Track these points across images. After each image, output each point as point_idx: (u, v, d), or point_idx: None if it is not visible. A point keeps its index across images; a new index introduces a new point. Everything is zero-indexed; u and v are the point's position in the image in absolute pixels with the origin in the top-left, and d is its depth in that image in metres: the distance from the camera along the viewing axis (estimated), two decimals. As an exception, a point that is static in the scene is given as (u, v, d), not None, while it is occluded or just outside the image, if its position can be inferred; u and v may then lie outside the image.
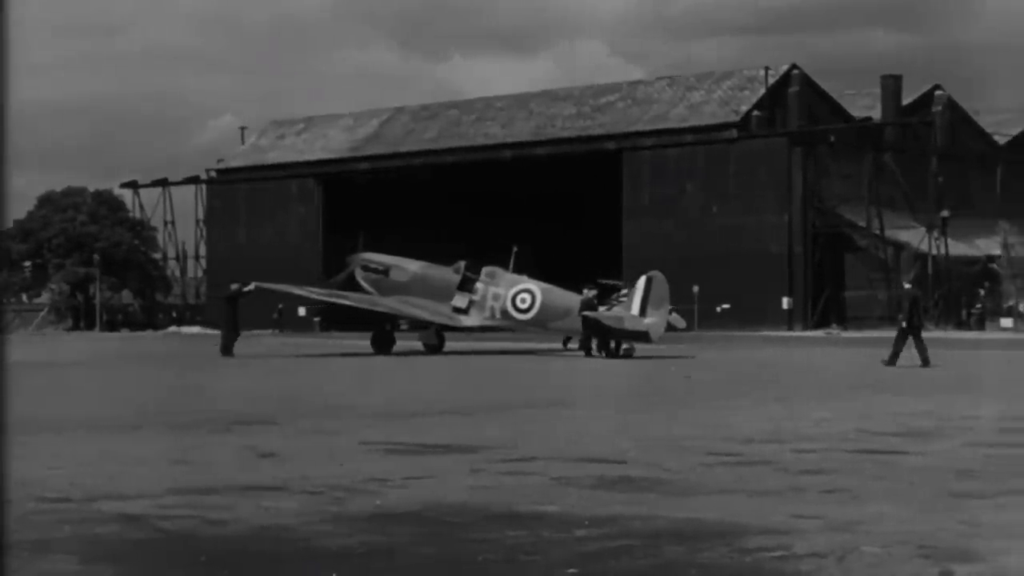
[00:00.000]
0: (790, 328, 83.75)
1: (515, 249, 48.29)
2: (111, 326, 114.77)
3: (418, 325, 47.98)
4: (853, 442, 15.68)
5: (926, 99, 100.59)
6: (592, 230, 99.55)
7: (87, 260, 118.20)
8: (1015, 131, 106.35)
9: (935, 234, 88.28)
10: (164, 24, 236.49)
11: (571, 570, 8.13)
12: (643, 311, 40.68)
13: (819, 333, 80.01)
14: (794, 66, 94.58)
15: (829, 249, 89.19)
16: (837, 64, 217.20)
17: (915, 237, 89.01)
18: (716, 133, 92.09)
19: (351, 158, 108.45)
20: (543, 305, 44.84)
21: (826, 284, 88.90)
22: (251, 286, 45.55)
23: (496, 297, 45.92)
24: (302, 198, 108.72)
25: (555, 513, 10.23)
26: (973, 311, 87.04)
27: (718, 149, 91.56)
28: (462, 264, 47.59)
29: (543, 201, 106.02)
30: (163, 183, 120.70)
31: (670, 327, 43.22)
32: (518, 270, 47.56)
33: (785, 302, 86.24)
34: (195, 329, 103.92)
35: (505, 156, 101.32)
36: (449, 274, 47.62)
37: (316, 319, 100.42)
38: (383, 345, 46.23)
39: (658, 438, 16.20)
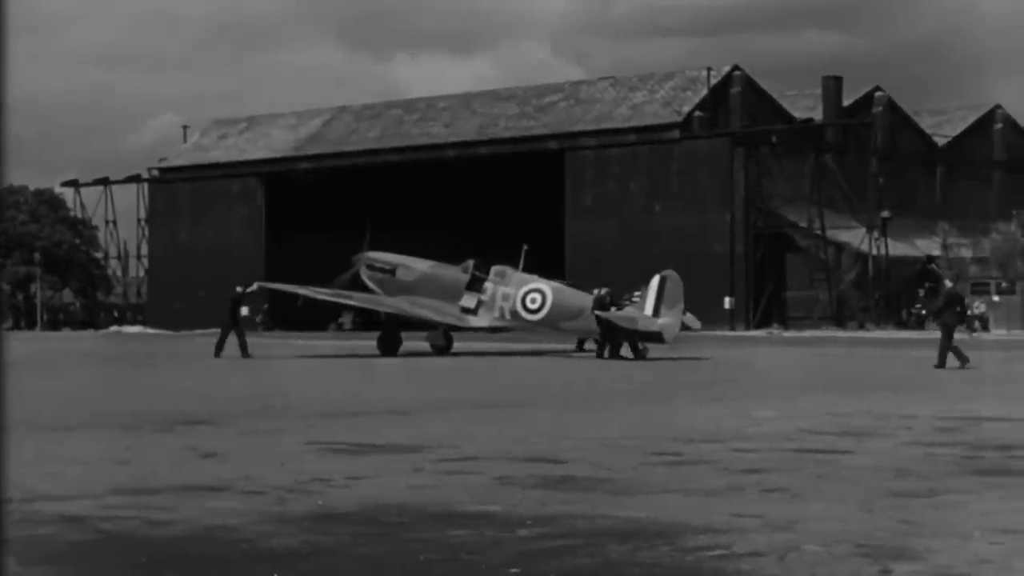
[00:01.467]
0: (732, 328, 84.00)
1: (525, 248, 47.57)
2: (52, 325, 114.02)
3: (428, 325, 46.25)
4: (794, 441, 15.77)
5: (866, 100, 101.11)
6: (535, 230, 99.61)
7: (28, 259, 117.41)
8: (955, 132, 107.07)
9: (875, 234, 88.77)
10: (106, 22, 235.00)
11: (513, 570, 8.15)
12: (657, 311, 39.84)
13: (760, 333, 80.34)
14: (736, 67, 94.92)
15: (771, 249, 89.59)
16: (778, 65, 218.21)
17: (855, 237, 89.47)
18: (659, 133, 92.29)
19: (294, 157, 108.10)
20: (554, 305, 43.76)
21: (767, 284, 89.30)
22: (254, 286, 44.57)
23: (505, 297, 44.75)
24: (244, 197, 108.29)
25: (497, 512, 10.25)
26: (913, 311, 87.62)
27: (661, 149, 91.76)
28: (471, 263, 46.31)
29: (486, 201, 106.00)
30: (104, 182, 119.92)
31: (684, 328, 42.23)
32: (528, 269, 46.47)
33: (727, 302, 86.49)
34: (136, 328, 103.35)
35: (448, 156, 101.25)
36: (457, 273, 46.36)
37: (258, 319, 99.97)
38: (389, 346, 44.69)
39: (600, 438, 16.24)
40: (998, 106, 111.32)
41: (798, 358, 41.52)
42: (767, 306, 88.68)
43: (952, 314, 35.33)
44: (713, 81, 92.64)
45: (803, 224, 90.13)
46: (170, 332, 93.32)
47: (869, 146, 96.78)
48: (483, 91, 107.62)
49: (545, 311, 43.80)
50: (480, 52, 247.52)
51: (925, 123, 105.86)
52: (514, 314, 44.46)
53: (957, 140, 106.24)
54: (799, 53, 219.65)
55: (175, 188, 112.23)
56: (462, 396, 25.09)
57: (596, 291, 43.10)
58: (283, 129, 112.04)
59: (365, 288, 48.00)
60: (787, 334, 77.75)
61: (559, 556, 8.56)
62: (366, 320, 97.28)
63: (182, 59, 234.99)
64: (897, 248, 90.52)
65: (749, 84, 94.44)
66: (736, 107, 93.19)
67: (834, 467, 13.30)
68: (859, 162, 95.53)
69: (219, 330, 43.04)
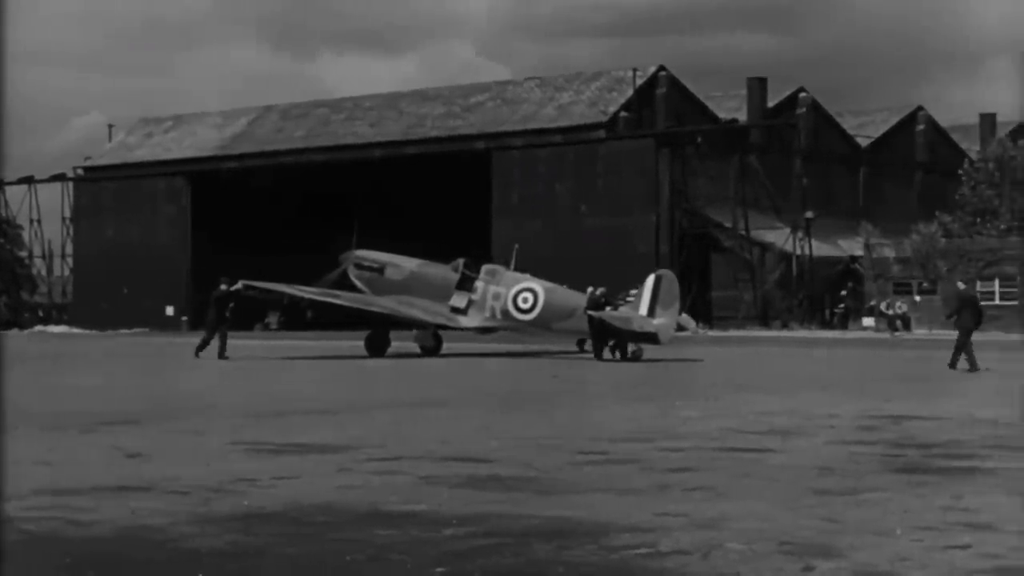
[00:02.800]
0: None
1: (516, 247, 46.93)
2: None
3: (417, 326, 45.00)
4: (718, 440, 15.87)
5: (791, 101, 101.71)
6: (462, 230, 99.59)
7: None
8: (877, 133, 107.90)
9: (799, 235, 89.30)
10: (30, 20, 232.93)
11: (439, 569, 8.17)
12: (652, 311, 38.97)
13: (685, 333, 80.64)
14: (661, 68, 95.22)
15: (696, 249, 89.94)
16: (703, 67, 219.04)
17: (780, 237, 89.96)
18: (585, 133, 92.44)
19: (220, 156, 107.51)
20: (546, 305, 42.56)
21: (692, 284, 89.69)
22: (238, 285, 42.47)
23: (496, 296, 43.51)
24: (170, 196, 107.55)
25: (423, 512, 10.26)
26: (836, 311, 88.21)
27: (587, 149, 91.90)
28: (461, 262, 45.18)
29: (413, 200, 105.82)
30: (29, 180, 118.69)
31: (680, 328, 41.12)
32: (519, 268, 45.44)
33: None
34: (61, 328, 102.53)
35: (375, 155, 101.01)
36: (447, 272, 45.17)
37: (184, 318, 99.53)
38: (377, 347, 43.47)
39: (527, 437, 16.28)
40: (920, 108, 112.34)
41: (723, 357, 41.72)
42: (692, 306, 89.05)
43: (968, 316, 34.82)
44: (639, 82, 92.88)
45: (728, 224, 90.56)
46: (96, 331, 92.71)
47: (793, 147, 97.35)
48: (410, 91, 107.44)
49: (537, 311, 42.76)
50: (406, 52, 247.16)
51: (848, 124, 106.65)
52: (505, 314, 43.36)
53: (880, 141, 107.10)
54: (724, 54, 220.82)
55: (100, 187, 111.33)
56: (391, 396, 25.06)
57: (590, 290, 42.45)
58: (209, 128, 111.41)
59: (353, 287, 46.79)
60: (711, 334, 78.07)
61: (485, 555, 8.58)
62: (292, 320, 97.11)
63: (108, 58, 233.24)
64: (821, 248, 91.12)
65: (674, 85, 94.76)
66: (661, 108, 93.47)
67: (758, 466, 13.40)
68: (783, 163, 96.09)
69: (211, 332, 41.23)
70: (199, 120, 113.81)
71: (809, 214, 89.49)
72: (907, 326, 79.20)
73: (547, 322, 42.69)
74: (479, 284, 43.99)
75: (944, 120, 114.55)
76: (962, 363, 33.40)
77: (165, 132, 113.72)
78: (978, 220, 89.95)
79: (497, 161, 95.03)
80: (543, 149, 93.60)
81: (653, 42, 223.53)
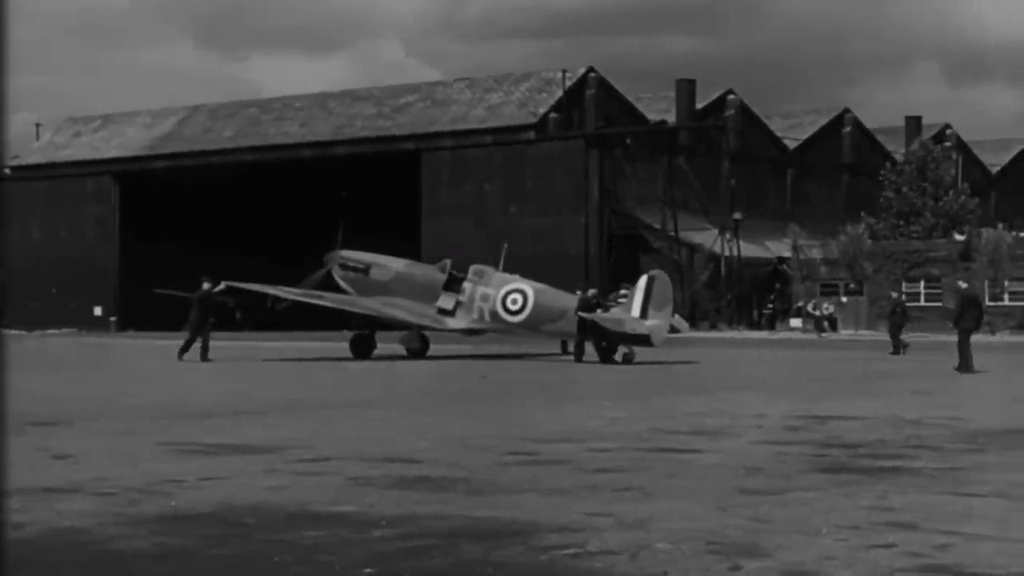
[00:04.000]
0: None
1: (505, 246, 46.21)
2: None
3: (403, 327, 43.82)
4: (647, 441, 15.94)
5: (719, 103, 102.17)
6: (391, 230, 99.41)
7: None
8: (805, 135, 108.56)
9: (728, 236, 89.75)
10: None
11: (368, 570, 8.17)
12: (644, 313, 38.08)
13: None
14: (591, 69, 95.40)
15: (625, 250, 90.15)
16: (633, 68, 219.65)
17: (708, 239, 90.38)
18: (514, 134, 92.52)
19: (148, 156, 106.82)
20: (536, 306, 41.38)
21: (621, 285, 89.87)
22: (222, 286, 41.36)
23: (485, 298, 42.26)
24: (98, 197, 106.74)
25: (352, 513, 10.25)
26: (764, 311, 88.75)
27: (516, 150, 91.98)
28: (448, 262, 44.15)
29: (342, 201, 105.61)
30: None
31: (673, 330, 40.34)
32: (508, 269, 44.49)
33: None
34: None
35: (304, 155, 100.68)
36: (434, 272, 44.14)
37: (112, 319, 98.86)
38: (362, 349, 42.56)
39: (456, 438, 16.29)
40: (847, 110, 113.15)
41: (652, 358, 41.80)
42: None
43: (970, 317, 34.41)
44: (568, 83, 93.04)
45: (657, 225, 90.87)
46: (24, 332, 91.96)
47: (721, 149, 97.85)
48: (340, 91, 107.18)
49: (527, 313, 41.61)
50: (336, 52, 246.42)
51: (776, 126, 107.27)
52: (494, 315, 42.18)
53: (807, 143, 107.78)
54: (653, 56, 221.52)
55: (28, 187, 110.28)
56: (322, 397, 25.00)
57: (579, 292, 41.82)
58: (138, 128, 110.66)
59: (337, 288, 45.63)
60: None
61: (414, 556, 8.59)
62: (220, 320, 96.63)
63: (35, 56, 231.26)
64: (749, 249, 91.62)
65: (603, 86, 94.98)
66: (591, 109, 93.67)
67: (686, 466, 13.47)
68: (712, 164, 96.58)
69: (194, 333, 40.23)
70: (127, 120, 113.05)
71: (737, 215, 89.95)
72: (834, 327, 79.77)
73: (537, 324, 41.75)
74: (467, 285, 42.90)
75: (871, 122, 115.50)
76: (950, 361, 33.55)
77: (93, 131, 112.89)
78: (902, 222, 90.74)
79: (427, 162, 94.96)
80: (473, 150, 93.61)
81: (582, 43, 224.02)
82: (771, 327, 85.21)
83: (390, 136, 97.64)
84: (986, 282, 79.63)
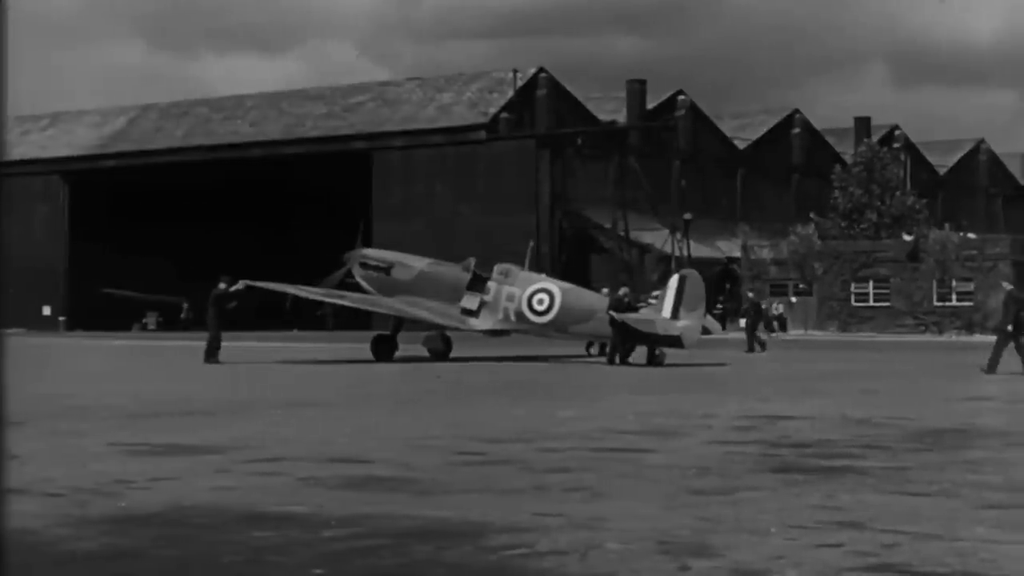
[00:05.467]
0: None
1: (532, 244, 45.31)
2: None
3: (426, 328, 42.55)
4: (597, 440, 15.96)
5: (670, 104, 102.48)
6: (342, 230, 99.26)
7: None
8: (755, 136, 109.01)
9: (678, 236, 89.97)
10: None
11: (317, 570, 8.15)
12: (676, 313, 36.90)
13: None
14: (542, 69, 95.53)
15: (576, 250, 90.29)
16: (584, 68, 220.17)
17: (659, 239, 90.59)
18: (465, 134, 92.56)
19: (98, 155, 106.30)
20: (563, 306, 39.99)
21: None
22: (240, 285, 39.69)
23: (510, 297, 40.81)
24: (47, 196, 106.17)
25: (302, 513, 10.23)
26: (715, 311, 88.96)
27: (467, 150, 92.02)
28: (472, 261, 42.82)
29: (293, 201, 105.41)
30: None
31: (705, 331, 39.46)
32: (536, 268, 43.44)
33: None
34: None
35: (255, 155, 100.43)
36: (458, 272, 42.65)
37: (61, 318, 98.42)
38: (383, 351, 40.91)
39: (406, 438, 16.28)
40: (796, 111, 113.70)
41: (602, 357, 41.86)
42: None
43: (1010, 317, 32.93)
44: (519, 83, 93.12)
45: (607, 225, 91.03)
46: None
47: (672, 149, 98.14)
48: (291, 91, 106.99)
49: (553, 313, 40.16)
50: (287, 52, 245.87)
51: (726, 127, 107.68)
52: (520, 316, 40.71)
53: (757, 144, 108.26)
54: (604, 56, 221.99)
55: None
56: (273, 396, 24.91)
57: (605, 290, 40.91)
58: (87, 127, 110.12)
59: (357, 287, 44.24)
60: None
61: (364, 556, 8.58)
62: (170, 320, 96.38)
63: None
64: (699, 250, 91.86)
65: (555, 86, 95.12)
66: (541, 109, 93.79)
67: (636, 466, 13.49)
68: (662, 165, 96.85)
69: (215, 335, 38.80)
70: (77, 118, 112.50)
71: (687, 216, 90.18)
72: (783, 327, 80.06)
73: (564, 325, 40.28)
74: (492, 284, 41.50)
75: (820, 123, 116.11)
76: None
77: (42, 130, 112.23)
78: (845, 224, 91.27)
79: (378, 162, 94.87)
80: (424, 150, 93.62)
81: (533, 43, 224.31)
82: (722, 327, 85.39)
83: (341, 136, 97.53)
84: (933, 283, 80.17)
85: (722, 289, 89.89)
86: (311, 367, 37.84)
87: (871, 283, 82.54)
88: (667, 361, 37.25)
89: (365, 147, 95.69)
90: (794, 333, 78.72)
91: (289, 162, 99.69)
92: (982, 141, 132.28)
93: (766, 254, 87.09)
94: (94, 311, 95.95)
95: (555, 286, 41.27)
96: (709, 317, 41.00)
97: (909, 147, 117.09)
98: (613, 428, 17.55)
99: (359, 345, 43.52)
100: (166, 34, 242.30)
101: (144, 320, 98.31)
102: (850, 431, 17.27)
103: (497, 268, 41.96)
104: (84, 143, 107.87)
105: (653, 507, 10.60)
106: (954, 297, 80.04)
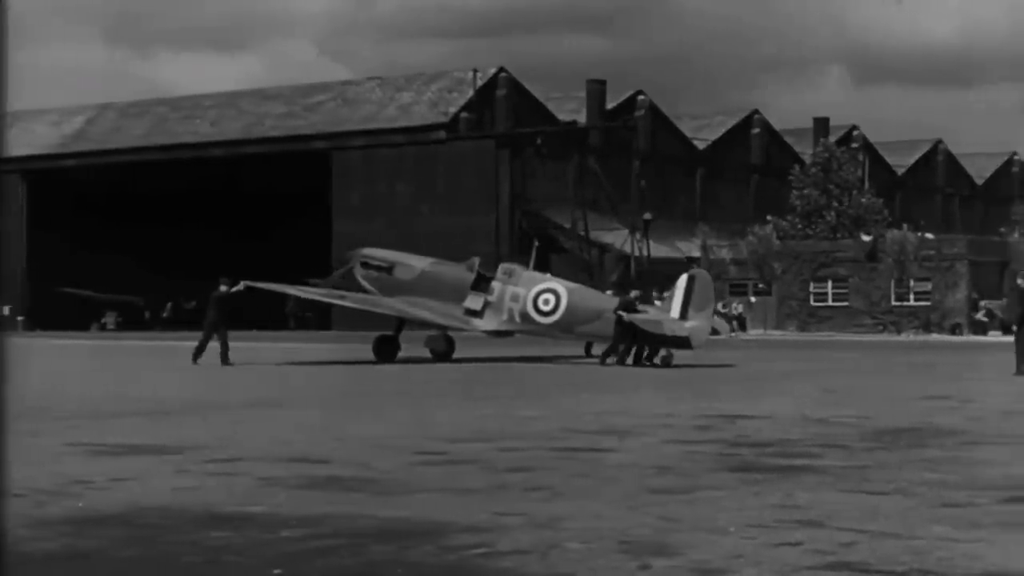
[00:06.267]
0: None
1: (536, 244, 45.02)
2: None
3: (428, 328, 41.86)
4: (557, 440, 15.97)
5: (629, 104, 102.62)
6: (302, 229, 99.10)
7: None
8: (714, 136, 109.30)
9: (637, 236, 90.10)
10: None
11: (276, 570, 8.14)
12: (684, 313, 36.25)
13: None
14: (502, 69, 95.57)
15: (535, 250, 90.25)
16: (544, 69, 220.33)
17: (619, 239, 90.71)
18: (425, 134, 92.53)
19: (57, 155, 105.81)
20: (569, 307, 39.16)
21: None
22: (240, 286, 38.63)
23: (515, 298, 39.98)
24: (6, 195, 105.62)
25: (261, 514, 10.22)
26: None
27: (427, 150, 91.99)
28: (476, 261, 42.18)
29: (253, 200, 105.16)
30: None
31: (714, 332, 38.94)
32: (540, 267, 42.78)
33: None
34: None
35: (214, 154, 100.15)
36: (461, 272, 41.82)
37: (20, 318, 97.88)
38: (386, 352, 40.14)
39: (366, 438, 16.26)
40: (755, 111, 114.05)
41: (565, 356, 41.91)
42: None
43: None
44: (479, 83, 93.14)
45: (567, 225, 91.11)
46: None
47: (632, 149, 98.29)
48: (250, 90, 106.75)
49: (559, 314, 39.34)
50: (246, 51, 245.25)
51: (686, 127, 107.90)
52: (524, 317, 39.90)
53: (716, 144, 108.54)
54: (564, 57, 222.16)
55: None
56: (231, 397, 24.84)
57: (609, 292, 40.49)
58: (46, 126, 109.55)
59: (359, 287, 43.34)
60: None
61: (323, 556, 8.58)
62: (129, 320, 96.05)
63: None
64: (659, 249, 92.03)
65: (515, 86, 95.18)
66: (502, 109, 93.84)
67: (596, 465, 13.52)
68: (622, 165, 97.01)
69: (207, 334, 38.10)
70: (35, 118, 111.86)
71: (647, 215, 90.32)
72: (743, 326, 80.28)
73: (570, 325, 39.51)
74: (496, 285, 40.66)
75: (779, 124, 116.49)
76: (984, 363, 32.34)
77: None
78: (801, 225, 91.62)
79: (338, 161, 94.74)
80: (384, 149, 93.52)
81: (493, 43, 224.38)
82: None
83: (301, 135, 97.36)
84: (892, 282, 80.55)
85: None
86: (270, 368, 37.75)
87: (830, 283, 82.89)
88: (674, 362, 36.77)
89: (325, 146, 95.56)
90: (753, 333, 78.95)
91: (249, 161, 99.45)
92: (940, 142, 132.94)
93: (725, 254, 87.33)
94: (53, 311, 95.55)
95: (561, 286, 40.57)
96: (716, 318, 40.70)
97: (867, 147, 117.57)
98: (573, 427, 17.57)
99: (325, 345, 43.39)
100: (125, 33, 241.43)
101: (103, 320, 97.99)
102: (809, 430, 17.33)
103: (501, 268, 41.67)
104: (43, 142, 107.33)
105: (613, 506, 10.62)
106: (912, 297, 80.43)
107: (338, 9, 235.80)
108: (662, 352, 37.15)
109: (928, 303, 79.57)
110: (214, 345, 36.91)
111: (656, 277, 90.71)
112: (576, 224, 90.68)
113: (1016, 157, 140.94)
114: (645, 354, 37.28)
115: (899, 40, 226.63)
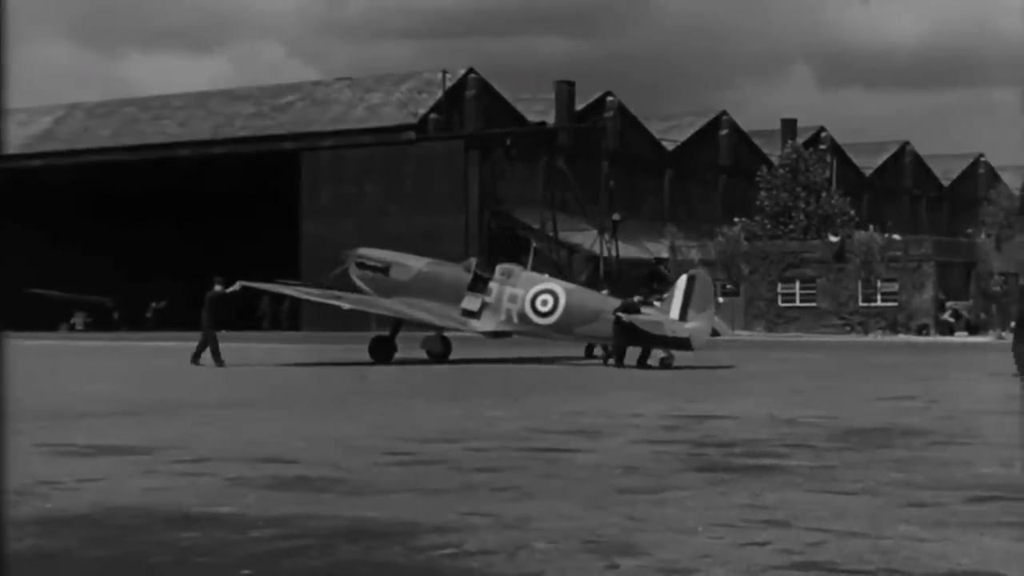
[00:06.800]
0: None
1: (534, 245, 44.73)
2: None
3: (425, 329, 41.50)
4: (525, 440, 16.01)
5: (598, 105, 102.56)
6: (271, 230, 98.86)
7: None
8: (683, 137, 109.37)
9: (606, 236, 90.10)
10: None
11: (245, 571, 8.15)
12: (684, 314, 36.15)
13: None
14: (471, 70, 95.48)
15: (505, 251, 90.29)
16: (513, 69, 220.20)
17: (588, 239, 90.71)
18: (394, 135, 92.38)
19: (24, 155, 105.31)
20: (567, 308, 38.88)
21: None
22: (236, 286, 38.53)
23: (513, 299, 39.76)
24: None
25: (229, 514, 10.22)
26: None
27: (396, 151, 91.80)
28: (473, 261, 42.22)
29: (221, 201, 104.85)
30: None
31: (714, 333, 38.61)
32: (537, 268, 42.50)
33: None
34: None
35: (183, 155, 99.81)
36: (458, 272, 41.63)
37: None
38: (382, 353, 39.60)
39: (334, 438, 16.26)
40: (724, 113, 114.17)
41: (531, 357, 41.95)
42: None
43: None
44: (448, 84, 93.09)
45: (536, 226, 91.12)
46: None
47: (601, 150, 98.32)
48: (219, 90, 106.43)
49: (557, 314, 39.02)
50: (215, 51, 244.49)
51: (655, 128, 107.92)
52: (522, 317, 39.61)
53: (685, 145, 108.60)
54: (533, 57, 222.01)
55: None
56: (199, 397, 24.79)
57: (605, 291, 39.93)
58: (13, 126, 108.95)
59: (354, 287, 42.97)
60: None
61: (291, 556, 8.59)
62: (99, 320, 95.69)
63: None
64: (628, 250, 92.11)
65: (484, 87, 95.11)
66: (471, 110, 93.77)
67: (564, 465, 13.55)
68: (591, 166, 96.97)
69: (207, 336, 37.68)
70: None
71: (616, 216, 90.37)
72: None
73: (569, 327, 39.10)
74: (493, 285, 40.39)
75: (747, 125, 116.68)
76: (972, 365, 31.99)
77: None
78: (769, 225, 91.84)
79: (306, 162, 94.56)
80: (353, 150, 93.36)
81: (462, 44, 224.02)
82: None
83: (269, 136, 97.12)
84: (859, 283, 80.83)
85: (651, 289, 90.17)
86: (238, 368, 37.62)
87: (798, 283, 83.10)
88: (674, 363, 36.61)
89: (294, 147, 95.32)
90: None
91: (217, 162, 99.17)
92: (907, 143, 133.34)
93: (694, 255, 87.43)
94: (19, 312, 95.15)
95: (559, 287, 40.48)
96: (717, 318, 40.57)
97: (835, 149, 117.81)
98: (540, 428, 17.61)
99: (298, 346, 43.23)
100: (93, 33, 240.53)
101: (72, 320, 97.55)
102: (776, 430, 17.41)
103: (499, 268, 41.18)
104: (10, 142, 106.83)
105: (580, 506, 10.65)
106: (879, 297, 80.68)
107: (308, 10, 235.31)
108: (661, 354, 36.93)
109: (895, 304, 79.83)
110: (172, 345, 36.79)
111: (624, 278, 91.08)
112: (545, 225, 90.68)
113: (982, 159, 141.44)
114: (648, 355, 37.10)
115: (866, 41, 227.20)
